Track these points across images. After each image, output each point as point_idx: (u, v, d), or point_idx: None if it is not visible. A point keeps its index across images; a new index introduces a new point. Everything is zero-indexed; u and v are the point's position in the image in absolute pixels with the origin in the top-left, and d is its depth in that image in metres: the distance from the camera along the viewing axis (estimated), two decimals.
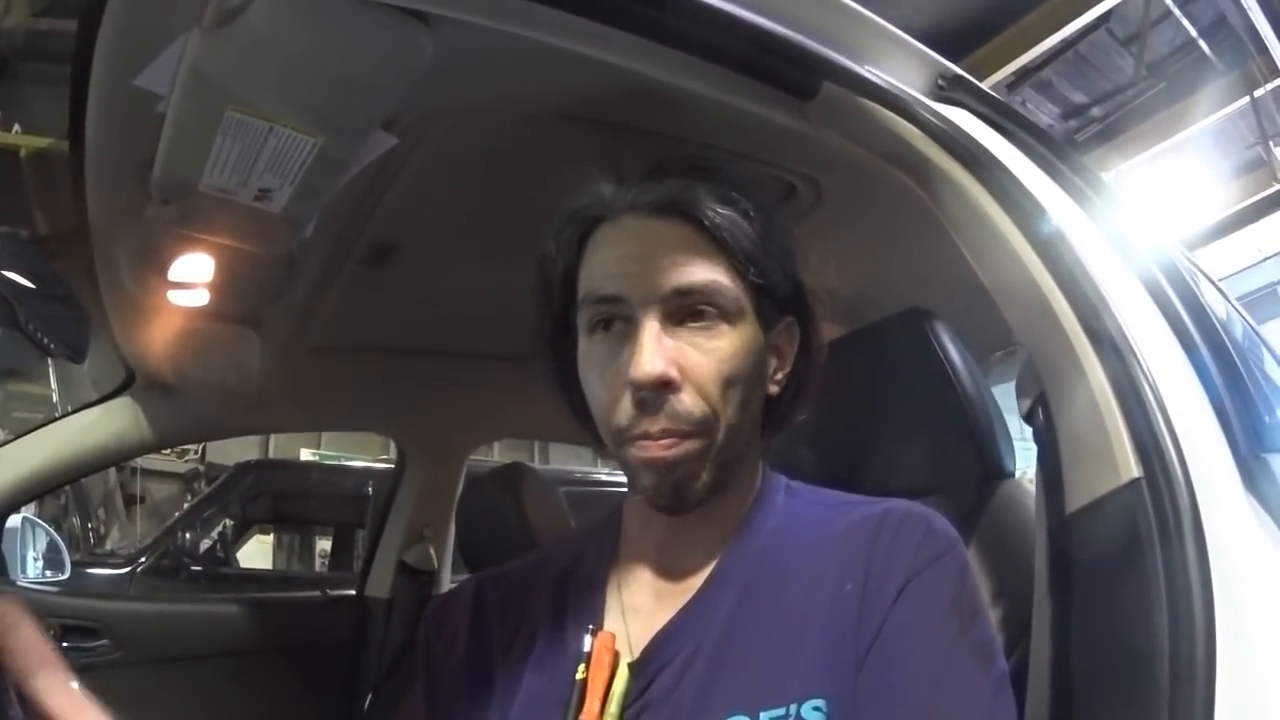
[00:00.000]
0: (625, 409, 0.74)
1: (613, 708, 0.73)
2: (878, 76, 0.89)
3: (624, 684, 0.74)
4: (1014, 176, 0.85)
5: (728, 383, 0.74)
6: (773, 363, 0.81)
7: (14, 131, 4.93)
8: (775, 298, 0.79)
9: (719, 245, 0.75)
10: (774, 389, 0.81)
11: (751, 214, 0.78)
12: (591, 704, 0.73)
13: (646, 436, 0.73)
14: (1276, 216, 6.17)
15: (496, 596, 0.87)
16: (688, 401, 0.73)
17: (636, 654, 0.76)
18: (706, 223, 0.75)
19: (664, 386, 0.72)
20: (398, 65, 0.92)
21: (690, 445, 0.73)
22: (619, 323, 0.75)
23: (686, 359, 0.73)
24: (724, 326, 0.75)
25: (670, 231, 0.76)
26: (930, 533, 0.74)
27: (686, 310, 0.74)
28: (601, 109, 1.09)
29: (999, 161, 0.86)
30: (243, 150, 1.04)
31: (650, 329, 0.73)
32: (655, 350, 0.72)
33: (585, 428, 0.82)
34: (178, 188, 1.12)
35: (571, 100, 1.08)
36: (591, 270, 0.78)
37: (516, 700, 0.78)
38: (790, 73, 0.88)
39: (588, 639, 0.76)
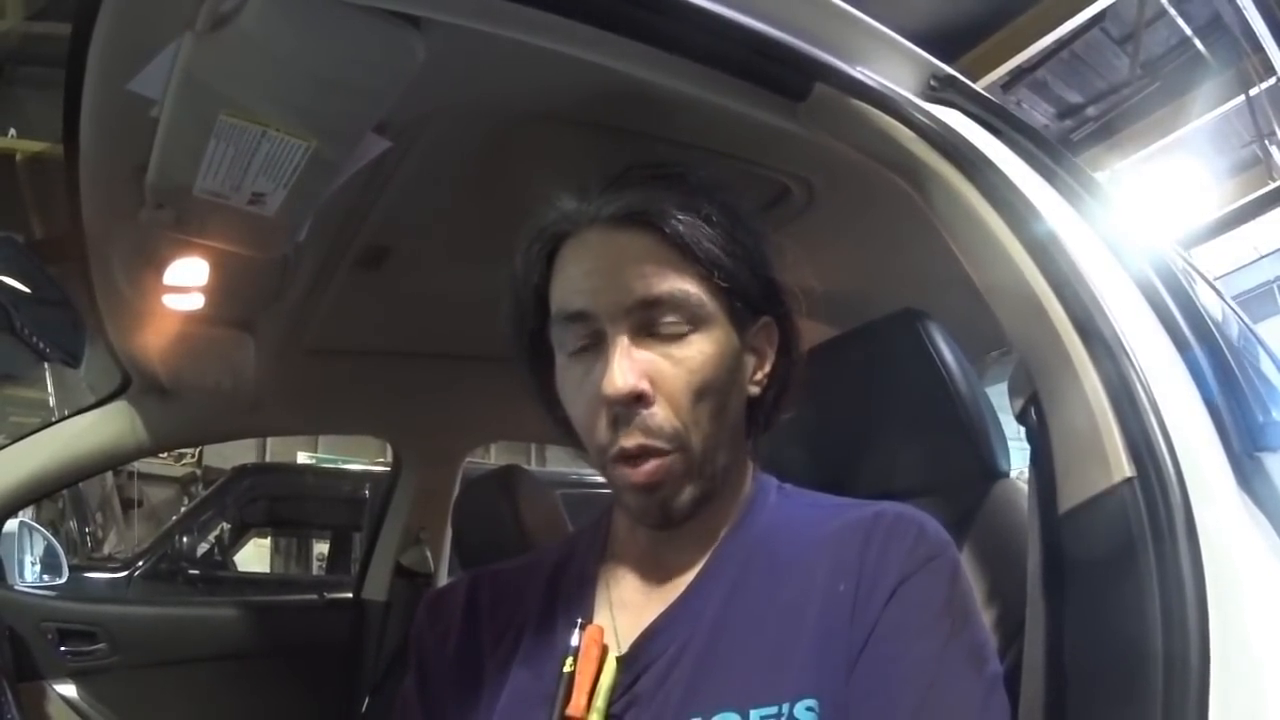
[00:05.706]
0: (603, 426, 0.74)
1: (599, 702, 0.73)
2: (869, 77, 0.88)
3: (611, 678, 0.74)
4: (1005, 176, 0.85)
5: (700, 393, 0.74)
6: (751, 363, 0.81)
7: (9, 136, 4.92)
8: (747, 299, 0.79)
9: (682, 252, 0.75)
10: (755, 390, 0.81)
11: (715, 217, 0.77)
12: (579, 698, 0.72)
13: (624, 454, 0.74)
14: (1273, 214, 6.18)
15: (490, 594, 0.87)
16: (660, 415, 0.73)
17: (625, 648, 0.76)
18: (668, 230, 0.75)
19: (636, 401, 0.72)
20: (389, 69, 0.92)
21: (671, 464, 0.74)
22: (591, 338, 0.75)
23: (658, 371, 0.74)
24: (694, 335, 0.75)
25: (633, 243, 0.76)
26: (922, 536, 0.74)
27: (655, 321, 0.74)
28: (594, 111, 1.09)
29: (990, 162, 0.86)
30: (236, 154, 1.04)
31: (619, 344, 0.73)
32: (625, 366, 0.72)
33: (573, 442, 0.82)
34: (172, 192, 1.12)
35: (564, 103, 1.08)
36: (559, 287, 0.78)
37: (504, 695, 0.78)
38: (782, 74, 0.88)
39: (576, 633, 0.76)
